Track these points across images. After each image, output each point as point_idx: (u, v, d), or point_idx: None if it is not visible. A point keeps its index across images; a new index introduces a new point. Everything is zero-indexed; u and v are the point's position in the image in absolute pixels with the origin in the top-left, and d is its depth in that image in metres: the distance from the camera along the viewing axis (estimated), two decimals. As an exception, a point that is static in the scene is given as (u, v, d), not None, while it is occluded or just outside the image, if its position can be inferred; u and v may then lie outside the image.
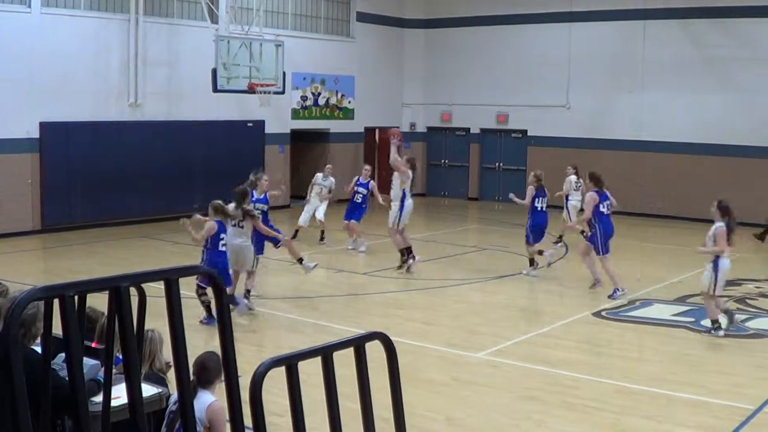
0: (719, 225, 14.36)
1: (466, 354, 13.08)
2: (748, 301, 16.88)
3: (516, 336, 14.19)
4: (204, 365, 7.08)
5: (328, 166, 24.17)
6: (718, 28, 28.06)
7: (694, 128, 28.40)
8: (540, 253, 19.21)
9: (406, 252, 19.24)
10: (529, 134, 32.78)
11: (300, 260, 17.34)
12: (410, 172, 19.04)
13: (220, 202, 14.59)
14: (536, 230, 19.08)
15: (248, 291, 15.53)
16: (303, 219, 22.90)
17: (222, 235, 14.21)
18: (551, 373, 12.09)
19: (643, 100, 29.59)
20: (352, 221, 22.09)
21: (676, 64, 28.76)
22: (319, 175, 23.40)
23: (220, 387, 7.30)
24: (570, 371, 12.10)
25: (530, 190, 19.03)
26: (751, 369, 12.57)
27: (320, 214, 22.72)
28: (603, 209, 17.26)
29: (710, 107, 28.08)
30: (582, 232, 19.32)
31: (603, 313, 15.70)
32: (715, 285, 14.10)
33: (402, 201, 19.00)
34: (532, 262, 19.17)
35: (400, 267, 19.19)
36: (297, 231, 22.78)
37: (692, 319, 15.31)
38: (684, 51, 28.65)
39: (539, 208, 19.01)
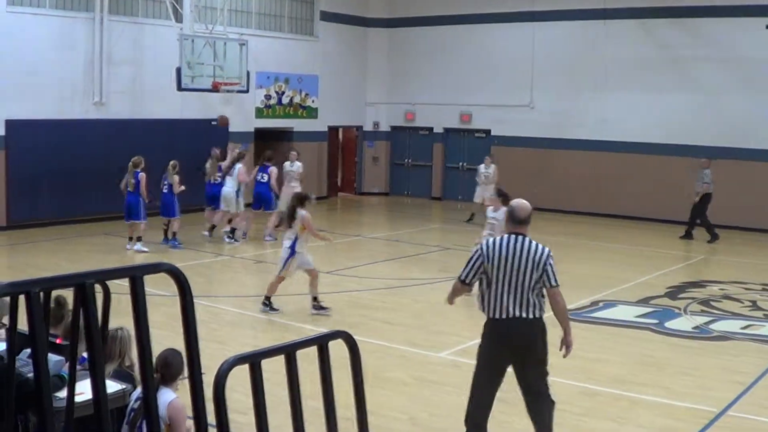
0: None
1: (429, 354, 13.11)
2: (712, 303, 16.96)
3: (478, 336, 14.20)
4: (167, 362, 7.08)
5: (292, 152, 25.30)
6: (681, 28, 28.25)
7: (657, 128, 28.55)
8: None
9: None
10: (492, 134, 32.82)
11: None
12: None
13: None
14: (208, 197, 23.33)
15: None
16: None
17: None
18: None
19: (607, 100, 29.73)
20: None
21: (639, 64, 28.92)
22: (287, 163, 24.56)
23: (182, 384, 7.32)
24: (532, 371, 12.15)
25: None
26: (715, 371, 12.61)
27: None
28: (258, 177, 23.11)
29: (673, 107, 28.25)
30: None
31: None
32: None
33: None
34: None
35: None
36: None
37: (656, 321, 15.37)
38: (647, 51, 28.83)
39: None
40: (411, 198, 34.84)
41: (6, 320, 5.53)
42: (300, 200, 15.42)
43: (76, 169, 24.73)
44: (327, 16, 33.35)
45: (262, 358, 3.27)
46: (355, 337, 3.74)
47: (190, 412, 3.22)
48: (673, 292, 17.83)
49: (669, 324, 15.19)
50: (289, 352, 3.39)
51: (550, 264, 8.30)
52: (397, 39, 35.03)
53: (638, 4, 28.82)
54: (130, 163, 21.06)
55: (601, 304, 16.56)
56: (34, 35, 23.91)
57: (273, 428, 3.32)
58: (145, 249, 21.06)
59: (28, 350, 5.94)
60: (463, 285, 8.77)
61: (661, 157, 28.43)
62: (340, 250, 22.01)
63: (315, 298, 15.49)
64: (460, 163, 34.12)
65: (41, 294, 2.94)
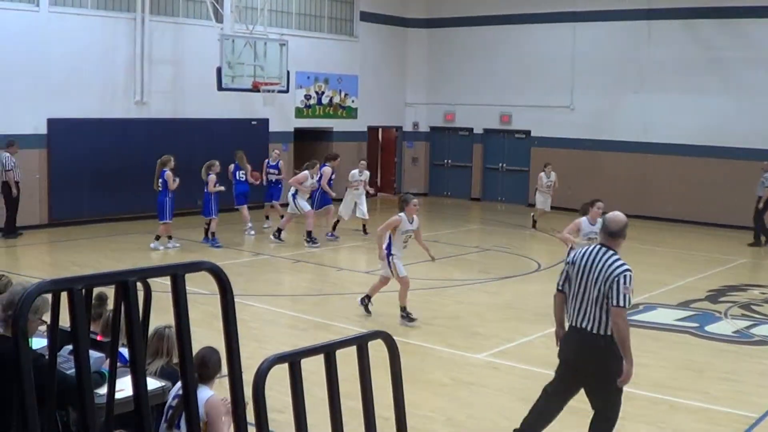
0: None
1: (467, 355, 13.08)
2: (753, 307, 16.77)
3: (517, 338, 14.18)
4: (204, 361, 7.10)
5: (362, 161, 25.70)
6: (724, 29, 27.97)
7: (698, 130, 28.28)
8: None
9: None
10: (532, 135, 32.73)
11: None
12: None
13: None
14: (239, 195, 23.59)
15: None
16: (344, 212, 24.23)
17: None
18: (552, 377, 12.07)
19: (648, 101, 29.50)
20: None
21: (681, 65, 28.69)
22: (355, 171, 24.71)
23: (218, 382, 7.35)
24: (571, 373, 12.08)
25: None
26: (755, 376, 12.48)
27: (364, 209, 24.25)
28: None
29: (715, 109, 27.97)
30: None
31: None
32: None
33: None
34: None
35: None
36: (337, 222, 24.17)
37: (696, 325, 15.23)
38: (689, 52, 28.58)
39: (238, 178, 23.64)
40: (450, 199, 34.79)
41: (47, 317, 5.58)
42: (399, 202, 15.27)
43: (117, 167, 24.92)
44: (367, 17, 33.39)
45: (302, 357, 3.27)
46: (393, 337, 3.74)
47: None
48: (714, 296, 17.66)
49: (709, 328, 15.06)
50: (328, 351, 3.39)
51: (618, 282, 8.11)
52: (437, 39, 35.00)
53: (681, 5, 28.58)
54: (159, 162, 21.21)
55: (641, 307, 16.41)
56: (76, 35, 24.13)
57: (311, 427, 3.32)
58: (161, 247, 21.19)
59: (68, 347, 5.99)
60: (558, 293, 8.76)
61: (702, 159, 28.19)
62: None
63: (369, 297, 15.26)
64: (500, 164, 34.05)
65: (83, 291, 2.96)
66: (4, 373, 5.34)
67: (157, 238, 21.24)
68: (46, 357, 3.42)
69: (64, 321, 3.02)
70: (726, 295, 17.88)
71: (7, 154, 21.88)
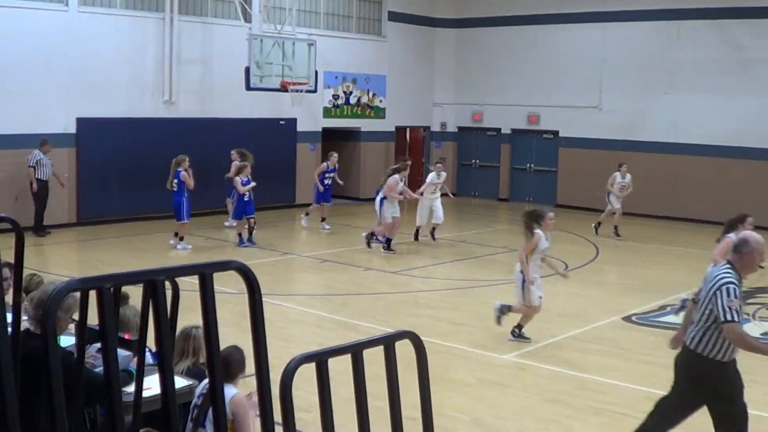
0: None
1: (494, 355, 13.06)
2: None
3: (544, 339, 14.14)
4: (228, 360, 7.10)
5: (438, 164, 24.49)
6: (753, 29, 27.74)
7: (727, 131, 28.06)
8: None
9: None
10: (560, 135, 32.63)
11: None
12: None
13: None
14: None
15: None
16: (420, 218, 23.49)
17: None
18: (578, 377, 12.04)
19: (676, 101, 29.33)
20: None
21: (710, 66, 28.49)
22: (432, 174, 23.79)
23: (243, 381, 7.36)
24: (597, 376, 12.05)
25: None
26: (780, 377, 12.41)
27: (440, 213, 23.47)
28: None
29: (744, 109, 27.75)
30: None
31: (633, 318, 15.63)
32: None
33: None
34: None
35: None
36: (417, 231, 23.66)
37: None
38: (718, 52, 28.38)
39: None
40: (478, 199, 34.70)
41: (76, 316, 5.60)
42: (532, 217, 13.64)
43: (145, 166, 24.96)
44: (395, 17, 33.37)
45: (329, 357, 3.28)
46: (420, 337, 3.74)
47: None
48: (742, 298, 17.50)
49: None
50: (355, 351, 3.39)
51: (720, 295, 7.75)
52: (465, 39, 34.93)
53: (710, 5, 28.40)
54: (174, 162, 21.17)
55: (668, 309, 16.34)
56: (105, 35, 24.25)
57: (337, 427, 3.33)
58: (189, 246, 21.20)
59: (96, 345, 6.02)
60: (691, 301, 8.76)
61: (731, 159, 27.99)
62: (406, 251, 22.01)
63: (520, 326, 13.96)
64: (528, 165, 33.94)
65: (111, 290, 2.98)
66: (34, 370, 5.38)
67: (181, 239, 21.27)
68: (75, 355, 3.44)
69: (92, 320, 3.04)
70: (754, 296, 17.73)
71: (37, 151, 22.02)
